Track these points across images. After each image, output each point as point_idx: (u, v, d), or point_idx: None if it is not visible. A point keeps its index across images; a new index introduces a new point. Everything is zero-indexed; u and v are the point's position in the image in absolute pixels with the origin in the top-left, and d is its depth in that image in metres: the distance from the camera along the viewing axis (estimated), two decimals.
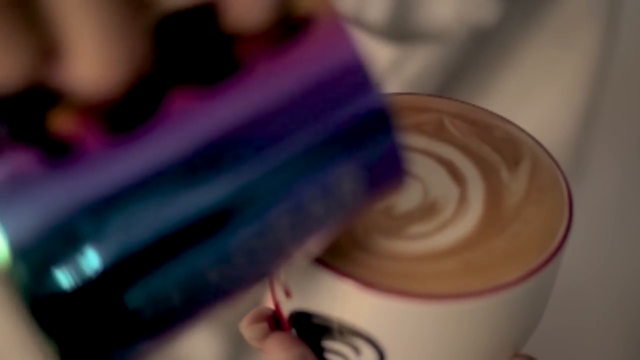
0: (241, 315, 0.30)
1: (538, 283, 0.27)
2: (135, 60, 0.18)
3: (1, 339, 0.43)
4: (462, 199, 0.29)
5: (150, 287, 0.20)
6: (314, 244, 0.24)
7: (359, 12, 0.48)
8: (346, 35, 0.21)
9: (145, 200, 0.20)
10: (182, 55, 0.20)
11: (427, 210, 0.28)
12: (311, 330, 0.29)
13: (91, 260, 0.19)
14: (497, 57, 0.55)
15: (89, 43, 0.17)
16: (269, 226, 0.21)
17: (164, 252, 0.20)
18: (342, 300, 0.27)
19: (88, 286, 0.19)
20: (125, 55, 0.18)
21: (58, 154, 0.19)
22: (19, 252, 0.18)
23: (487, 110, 0.33)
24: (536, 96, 0.56)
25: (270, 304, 0.31)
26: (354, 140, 0.22)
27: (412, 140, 0.31)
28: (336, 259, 0.27)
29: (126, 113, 0.19)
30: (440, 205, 0.29)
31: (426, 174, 0.30)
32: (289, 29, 0.21)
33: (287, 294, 0.29)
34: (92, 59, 0.18)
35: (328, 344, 0.29)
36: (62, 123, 0.19)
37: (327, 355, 0.29)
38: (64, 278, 0.19)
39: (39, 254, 0.19)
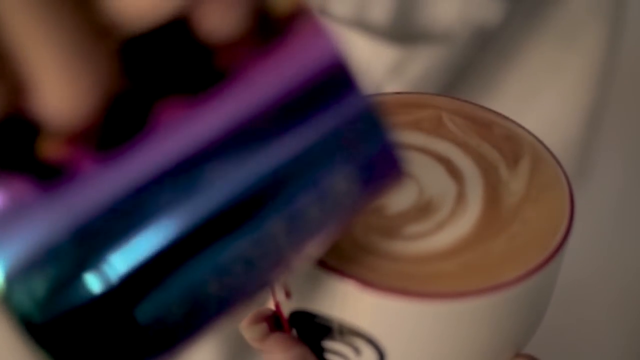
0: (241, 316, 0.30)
1: (538, 282, 0.27)
2: (103, 85, 0.18)
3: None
4: (460, 197, 0.29)
5: (154, 304, 0.20)
6: (315, 247, 0.24)
7: (361, 13, 0.48)
8: (326, 35, 0.21)
9: (141, 215, 0.19)
10: (165, 68, 0.20)
11: (423, 208, 0.28)
12: (311, 330, 0.29)
13: (98, 279, 0.19)
14: (500, 58, 0.55)
15: (53, 76, 0.17)
16: (265, 233, 0.21)
17: (165, 266, 0.20)
18: (341, 300, 0.27)
19: (94, 306, 0.19)
20: (91, 82, 0.18)
21: (50, 178, 0.19)
22: (19, 279, 0.19)
23: (487, 108, 0.33)
24: (540, 97, 0.56)
25: (270, 305, 0.31)
26: (344, 141, 0.22)
27: (410, 137, 0.31)
28: (335, 259, 0.27)
29: (114, 129, 0.19)
30: (436, 204, 0.28)
31: (423, 172, 0.29)
32: (267, 32, 0.21)
33: (287, 294, 0.29)
34: (58, 91, 0.18)
35: (328, 344, 0.28)
36: (51, 148, 0.19)
37: (327, 355, 0.29)
38: (74, 298, 0.19)
39: (43, 280, 0.19)
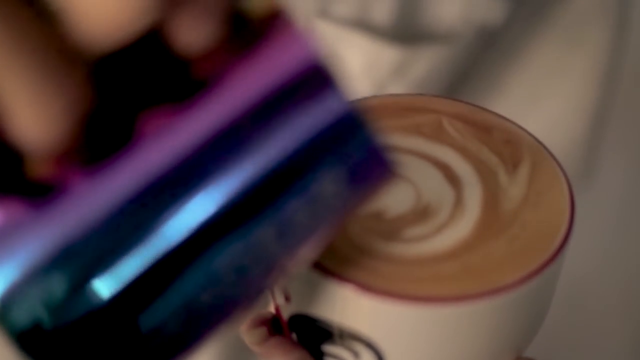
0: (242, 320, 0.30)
1: (538, 285, 0.27)
2: (76, 107, 0.18)
3: None
4: (458, 203, 0.28)
5: (151, 317, 0.20)
6: (308, 251, 0.24)
7: (364, 13, 0.48)
8: (303, 38, 0.21)
9: (131, 226, 0.19)
10: (144, 80, 0.20)
11: (421, 213, 0.28)
12: (311, 334, 0.29)
13: (98, 293, 0.19)
14: (504, 58, 0.55)
15: (23, 103, 0.17)
16: (254, 241, 0.21)
17: (157, 278, 0.20)
18: (340, 304, 0.27)
19: (93, 321, 0.19)
20: (62, 107, 0.18)
21: (41, 196, 0.19)
22: (15, 298, 0.19)
23: (487, 110, 0.32)
24: (545, 97, 0.56)
25: (270, 308, 0.31)
26: (329, 144, 0.22)
27: (410, 142, 0.31)
28: (334, 263, 0.27)
29: (100, 144, 0.19)
30: (434, 209, 0.28)
31: (421, 178, 0.29)
32: (244, 36, 0.21)
33: (287, 298, 0.29)
34: (30, 118, 0.17)
35: (327, 347, 0.28)
36: (39, 167, 0.19)
37: (327, 359, 0.29)
38: (72, 313, 0.19)
39: (37, 300, 0.19)
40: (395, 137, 0.31)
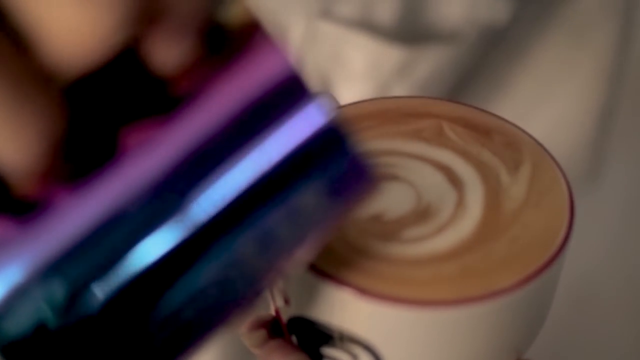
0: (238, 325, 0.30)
1: (538, 288, 0.27)
2: (51, 130, 0.18)
3: None
4: (460, 204, 0.28)
5: (134, 333, 0.20)
6: (293, 262, 0.24)
7: (367, 13, 0.48)
8: (280, 50, 0.21)
9: (115, 240, 0.20)
10: (124, 95, 0.20)
11: (422, 214, 0.28)
12: (310, 337, 0.28)
13: (90, 303, 0.20)
14: (509, 58, 0.54)
15: None
16: (235, 255, 0.21)
17: (139, 294, 0.20)
18: (338, 307, 0.27)
19: (82, 330, 0.19)
20: (36, 132, 0.17)
21: (25, 213, 0.19)
22: (7, 313, 0.19)
23: (488, 113, 0.32)
24: (551, 97, 0.56)
25: (270, 311, 0.31)
26: (309, 156, 0.21)
27: (411, 146, 0.31)
28: (332, 265, 0.27)
29: (83, 160, 0.19)
30: (435, 210, 0.28)
31: (422, 180, 0.29)
32: (221, 49, 0.20)
33: (286, 300, 0.29)
34: (3, 144, 0.17)
35: (326, 350, 0.28)
36: (21, 186, 0.19)
37: None
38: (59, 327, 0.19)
39: (29, 311, 0.19)
40: (396, 143, 0.31)
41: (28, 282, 0.19)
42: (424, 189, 0.29)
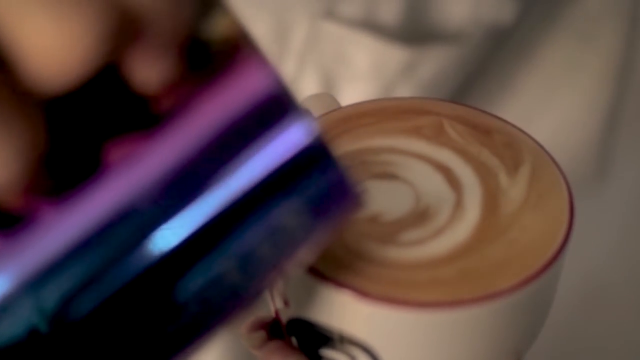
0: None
1: (536, 290, 0.27)
2: (31, 148, 0.18)
3: None
4: (458, 205, 0.28)
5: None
6: (276, 279, 0.24)
7: (371, 13, 0.48)
8: (264, 67, 0.20)
9: (99, 254, 0.20)
10: (106, 113, 0.20)
11: (420, 216, 0.28)
12: (308, 338, 0.28)
13: (76, 312, 0.20)
14: (515, 58, 0.54)
15: None
16: (215, 274, 0.21)
17: (121, 310, 0.20)
18: (337, 309, 0.27)
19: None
20: (16, 150, 0.17)
21: (8, 227, 0.19)
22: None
23: (489, 114, 0.32)
24: (557, 97, 0.55)
25: (270, 312, 0.31)
26: (291, 175, 0.21)
27: (411, 144, 0.31)
28: (330, 268, 0.27)
29: (67, 174, 0.19)
30: (433, 211, 0.28)
31: (421, 181, 0.29)
32: (204, 65, 0.20)
33: (286, 302, 0.29)
34: None
35: (325, 352, 0.28)
36: (4, 200, 0.19)
37: None
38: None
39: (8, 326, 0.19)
40: (395, 140, 0.31)
41: (16, 291, 0.19)
42: (422, 189, 0.29)
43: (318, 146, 0.21)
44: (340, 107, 0.33)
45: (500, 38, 0.52)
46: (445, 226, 0.28)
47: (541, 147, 0.31)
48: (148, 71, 0.19)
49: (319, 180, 0.22)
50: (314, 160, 0.21)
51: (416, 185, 0.29)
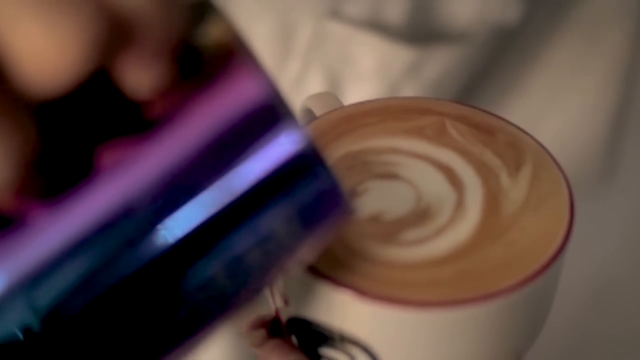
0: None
1: (535, 291, 0.27)
2: (22, 150, 0.18)
3: None
4: (459, 205, 0.28)
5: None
6: (266, 286, 0.24)
7: (377, 13, 0.48)
8: (256, 75, 0.21)
9: (93, 253, 0.20)
10: (98, 117, 0.20)
11: (421, 216, 0.28)
12: (308, 337, 0.29)
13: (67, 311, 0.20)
14: (521, 59, 0.54)
15: None
16: (206, 280, 0.21)
17: (108, 313, 0.20)
18: (337, 308, 0.27)
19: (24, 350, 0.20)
20: (6, 152, 0.18)
21: (2, 227, 0.19)
22: None
23: (491, 114, 0.32)
24: (563, 98, 0.55)
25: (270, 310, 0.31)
26: (282, 183, 0.21)
27: (413, 144, 0.31)
28: (330, 267, 0.27)
29: (59, 176, 0.20)
30: (434, 211, 0.28)
31: (423, 180, 0.29)
32: (198, 73, 0.20)
33: (286, 301, 0.29)
34: None
35: (324, 351, 0.28)
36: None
37: None
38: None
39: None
40: (397, 140, 0.31)
41: (8, 291, 0.19)
42: (424, 189, 0.29)
43: (309, 154, 0.21)
44: (343, 107, 0.33)
45: (506, 38, 0.52)
46: (445, 226, 0.28)
47: (543, 148, 0.31)
48: (140, 76, 0.19)
49: (310, 189, 0.22)
50: (305, 168, 0.21)
51: (417, 185, 0.29)
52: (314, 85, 0.49)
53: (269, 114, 0.21)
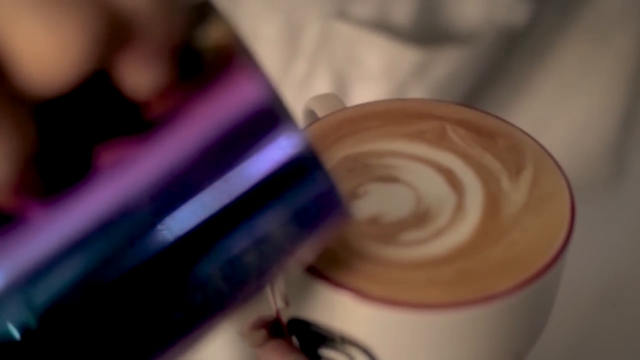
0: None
1: (535, 293, 0.27)
2: (20, 149, 0.18)
3: None
4: (459, 207, 0.28)
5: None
6: (262, 288, 0.24)
7: (383, 14, 0.48)
8: (256, 78, 0.21)
9: (91, 252, 0.20)
10: (97, 117, 0.20)
11: (421, 217, 0.28)
12: (308, 338, 0.29)
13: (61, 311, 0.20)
14: (529, 60, 0.54)
15: None
16: (201, 281, 0.21)
17: (101, 311, 0.20)
18: (336, 309, 0.27)
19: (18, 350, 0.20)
20: (5, 151, 0.18)
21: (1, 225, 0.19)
22: None
23: (493, 116, 0.32)
24: (571, 100, 0.55)
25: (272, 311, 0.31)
26: (280, 185, 0.21)
27: (413, 148, 0.31)
28: (329, 267, 0.27)
29: (58, 175, 0.20)
30: (434, 213, 0.28)
31: (423, 183, 0.29)
32: (197, 74, 0.21)
33: (286, 302, 0.29)
34: None
35: (324, 351, 0.28)
36: None
37: None
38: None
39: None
40: (398, 144, 0.31)
41: (6, 288, 0.19)
42: (424, 191, 0.29)
43: (307, 158, 0.21)
44: (344, 108, 0.33)
45: (513, 40, 0.52)
46: (445, 227, 0.28)
47: (545, 150, 0.31)
48: (139, 77, 0.19)
49: (307, 192, 0.22)
50: (303, 171, 0.22)
51: (417, 188, 0.29)
52: (320, 85, 0.49)
53: (268, 117, 0.21)
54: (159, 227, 0.20)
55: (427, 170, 0.30)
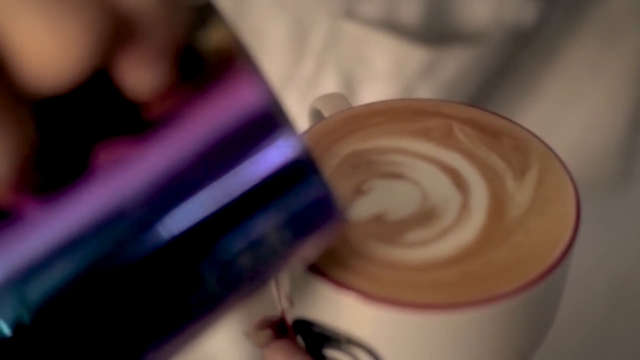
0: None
1: (539, 294, 0.26)
2: (20, 147, 0.18)
3: None
4: (464, 207, 0.28)
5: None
6: (256, 291, 0.24)
7: (392, 14, 0.48)
8: (255, 81, 0.21)
9: (87, 250, 0.20)
10: (96, 116, 0.20)
11: (426, 217, 0.28)
12: (313, 338, 0.29)
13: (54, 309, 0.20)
14: (537, 59, 0.54)
15: None
16: (196, 283, 0.21)
17: (98, 310, 0.21)
18: (341, 310, 0.27)
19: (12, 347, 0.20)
20: (4, 148, 0.18)
21: None
22: None
23: (499, 116, 0.32)
24: (580, 99, 0.55)
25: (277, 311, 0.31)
26: (276, 190, 0.21)
27: (418, 146, 0.31)
28: (334, 268, 0.27)
29: (56, 173, 0.20)
30: (439, 213, 0.28)
31: (428, 182, 0.29)
32: (197, 76, 0.21)
33: (291, 302, 0.29)
34: None
35: (329, 352, 0.28)
36: None
37: None
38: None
39: None
40: (404, 141, 0.31)
41: (1, 284, 0.19)
42: (429, 190, 0.29)
43: (304, 163, 0.22)
44: (350, 107, 0.33)
45: (521, 39, 0.52)
46: (450, 228, 0.28)
47: (551, 150, 0.31)
48: (140, 77, 0.19)
49: (303, 196, 0.22)
50: (300, 176, 0.22)
51: (423, 186, 0.29)
52: (328, 85, 0.49)
53: (266, 121, 0.21)
54: (155, 226, 0.20)
55: (432, 169, 0.30)
